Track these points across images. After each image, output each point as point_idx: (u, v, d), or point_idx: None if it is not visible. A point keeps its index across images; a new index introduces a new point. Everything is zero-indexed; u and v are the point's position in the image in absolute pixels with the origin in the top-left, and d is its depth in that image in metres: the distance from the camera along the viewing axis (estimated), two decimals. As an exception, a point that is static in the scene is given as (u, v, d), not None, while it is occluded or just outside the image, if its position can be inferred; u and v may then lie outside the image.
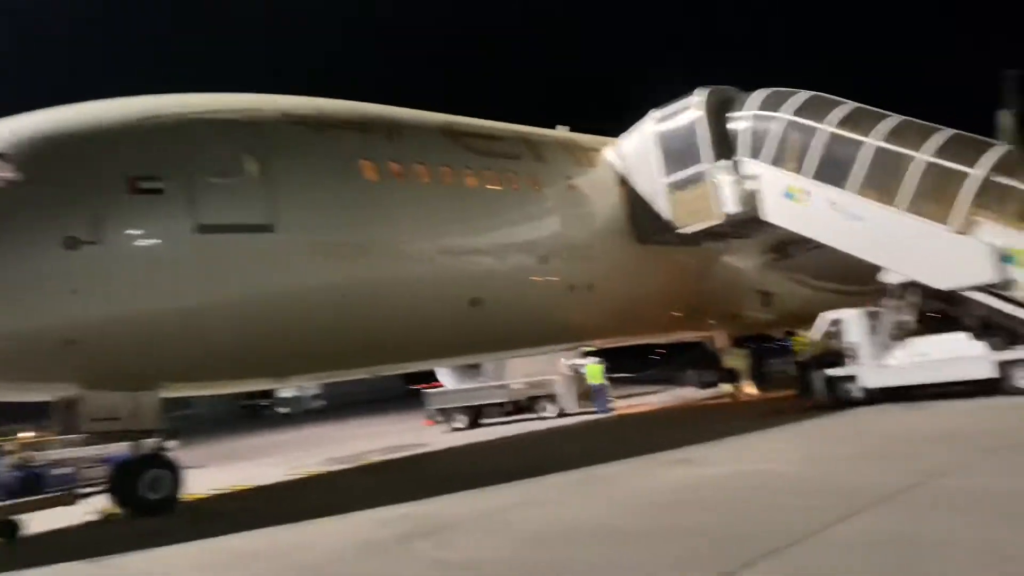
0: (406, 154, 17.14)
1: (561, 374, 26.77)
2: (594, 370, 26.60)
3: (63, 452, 21.93)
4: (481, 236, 18.11)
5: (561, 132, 22.65)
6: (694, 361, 32.13)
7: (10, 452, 23.59)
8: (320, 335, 15.61)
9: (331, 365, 17.43)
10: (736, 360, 26.07)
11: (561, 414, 26.45)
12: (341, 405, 65.33)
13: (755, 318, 26.38)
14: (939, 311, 19.66)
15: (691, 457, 12.97)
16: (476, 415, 27.42)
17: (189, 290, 13.87)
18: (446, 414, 27.76)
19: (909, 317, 18.54)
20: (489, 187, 18.41)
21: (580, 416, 26.05)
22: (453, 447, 21.65)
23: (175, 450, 28.85)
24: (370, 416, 42.99)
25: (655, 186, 21.00)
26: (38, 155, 13.14)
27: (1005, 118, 33.76)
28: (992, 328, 17.34)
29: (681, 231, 20.76)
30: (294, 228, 14.80)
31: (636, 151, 21.56)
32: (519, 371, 27.79)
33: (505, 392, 26.99)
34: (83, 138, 13.56)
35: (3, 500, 14.52)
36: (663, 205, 20.86)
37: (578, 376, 27.16)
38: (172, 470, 14.63)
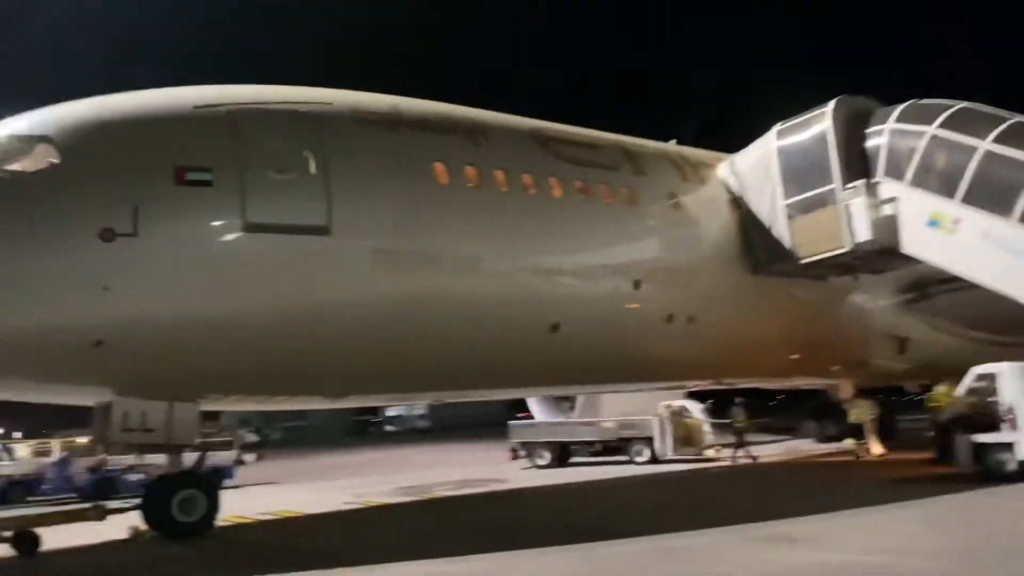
0: (487, 159, 15.47)
1: (658, 415, 24.24)
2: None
3: (141, 458, 21.32)
4: (565, 253, 16.17)
5: (669, 145, 20.46)
6: (815, 411, 28.75)
7: (84, 454, 23.47)
8: (377, 353, 14.08)
9: (391, 387, 15.87)
10: (861, 413, 22.74)
11: (654, 459, 23.91)
12: (446, 427, 64.82)
13: (886, 367, 23.06)
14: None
15: (797, 533, 10.45)
16: (562, 452, 25.23)
17: (231, 294, 12.62)
18: (529, 448, 25.72)
19: None
20: (578, 199, 16.46)
21: (678, 463, 23.45)
22: (525, 488, 19.61)
23: (253, 463, 29.27)
24: (469, 441, 41.66)
25: (774, 208, 18.44)
26: (83, 140, 12.27)
27: None
28: None
29: (802, 261, 18.08)
30: (352, 232, 13.33)
31: (753, 168, 19.09)
32: (615, 409, 25.54)
33: (594, 430, 24.71)
34: (131, 124, 12.61)
35: (78, 503, 13.63)
36: (782, 230, 18.26)
37: (677, 418, 24.55)
38: (208, 491, 13.40)
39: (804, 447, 27.45)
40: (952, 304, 21.08)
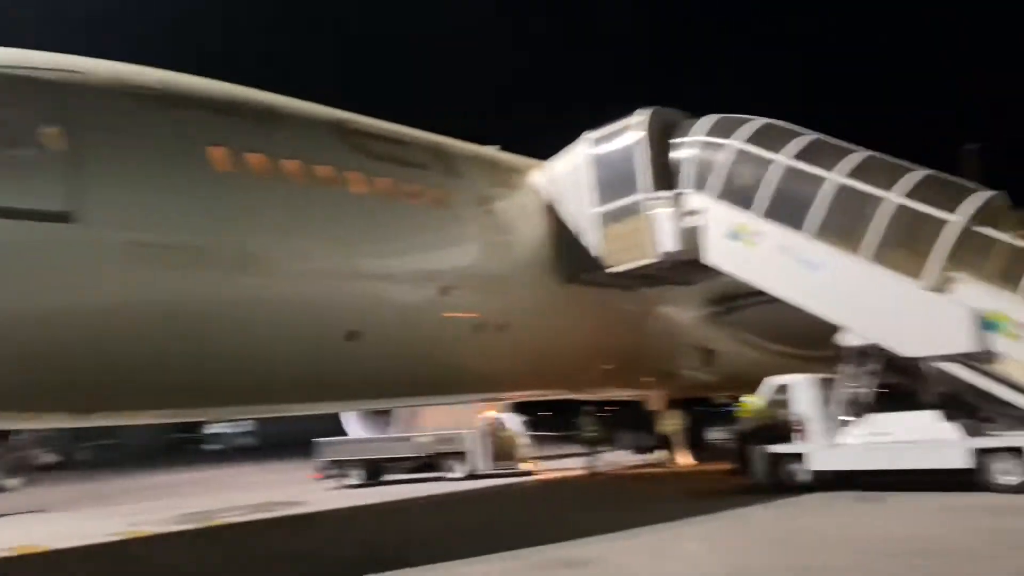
0: (278, 146, 13.95)
1: (473, 429, 23.41)
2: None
3: None
4: (363, 255, 14.87)
5: (485, 149, 19.71)
6: (629, 423, 28.99)
7: None
8: (130, 362, 12.17)
9: (152, 403, 13.87)
10: (670, 425, 23.01)
11: (471, 475, 23.05)
12: (274, 444, 61.21)
13: (694, 378, 23.43)
14: (893, 384, 16.95)
15: (582, 557, 9.74)
16: (375, 470, 23.84)
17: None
18: (341, 467, 24.12)
19: (868, 388, 15.73)
20: (382, 197, 15.27)
21: (493, 478, 22.70)
22: (325, 511, 18.10)
23: (18, 489, 25.75)
24: (297, 459, 39.10)
25: (586, 217, 18.08)
26: None
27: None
28: (959, 407, 14.62)
29: (612, 270, 17.81)
30: (100, 220, 11.42)
31: (567, 176, 18.67)
32: (435, 423, 24.50)
33: (408, 446, 23.52)
34: None
35: None
36: (593, 239, 17.93)
37: (495, 432, 23.83)
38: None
39: (618, 459, 27.54)
40: (755, 317, 21.65)
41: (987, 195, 14.24)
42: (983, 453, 13.14)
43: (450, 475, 23.17)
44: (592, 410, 23.67)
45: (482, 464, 23.20)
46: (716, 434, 26.63)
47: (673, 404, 25.06)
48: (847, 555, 9.03)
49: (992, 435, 13.53)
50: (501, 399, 23.19)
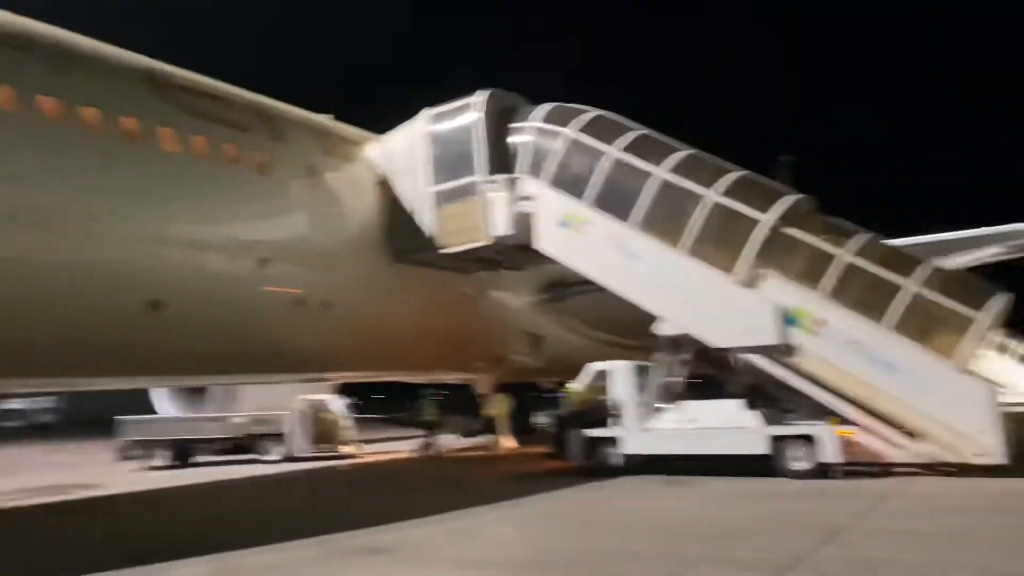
0: (73, 90, 12.53)
1: (294, 410, 22.44)
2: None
3: None
4: (169, 218, 13.70)
5: (318, 116, 18.78)
6: (458, 406, 28.92)
7: None
8: None
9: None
10: (496, 408, 23.09)
11: (289, 458, 22.09)
12: (81, 422, 56.23)
13: (523, 363, 23.65)
14: (704, 374, 17.81)
15: (393, 544, 9.37)
16: (183, 452, 22.31)
17: None
18: (145, 447, 22.39)
19: (680, 376, 16.38)
20: (195, 156, 14.11)
21: (311, 461, 21.86)
22: (116, 496, 16.69)
23: None
24: (100, 439, 35.94)
25: (420, 195, 17.66)
26: None
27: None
28: (762, 397, 15.53)
29: (445, 251, 17.50)
30: None
31: (403, 151, 18.15)
32: (255, 403, 23.27)
33: (220, 426, 22.19)
34: None
35: None
36: (427, 218, 17.53)
37: (317, 414, 22.97)
38: None
39: (448, 442, 27.42)
40: (582, 305, 22.16)
41: (795, 198, 15.13)
42: (779, 440, 13.98)
43: (266, 458, 22.11)
44: (431, 393, 23.33)
45: (301, 447, 22.29)
46: (542, 418, 27.09)
47: (500, 388, 25.21)
48: (650, 539, 9.21)
49: (788, 424, 14.41)
50: (325, 379, 22.41)
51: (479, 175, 16.98)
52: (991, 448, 12.48)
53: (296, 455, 22.12)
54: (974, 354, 13.37)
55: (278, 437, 22.32)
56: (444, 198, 17.41)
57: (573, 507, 12.24)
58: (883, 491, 11.78)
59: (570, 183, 16.56)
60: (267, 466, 21.36)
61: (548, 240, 16.71)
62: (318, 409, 23.04)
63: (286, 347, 16.72)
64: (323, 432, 22.96)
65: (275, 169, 15.65)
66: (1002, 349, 36.01)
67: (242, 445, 22.50)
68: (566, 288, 22.24)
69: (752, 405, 14.79)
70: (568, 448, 16.13)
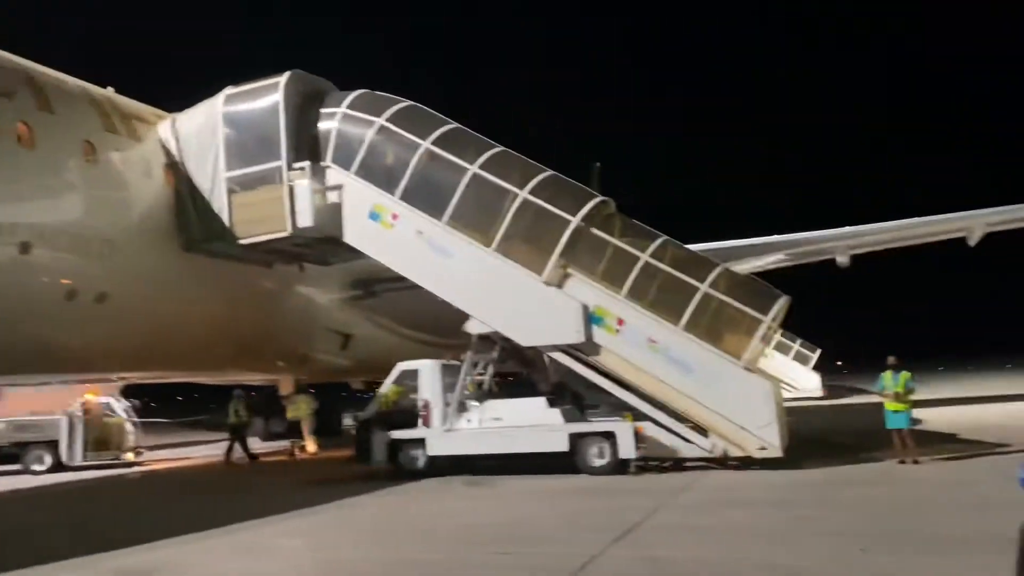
0: None
1: (66, 414, 20.16)
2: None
3: None
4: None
5: (99, 89, 16.86)
6: (261, 408, 27.31)
7: None
8: None
9: None
10: (299, 410, 21.94)
11: (60, 467, 19.81)
12: None
13: (330, 363, 22.68)
14: (514, 373, 17.83)
15: (165, 563, 8.37)
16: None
17: None
18: None
19: (489, 375, 16.24)
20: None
21: (88, 470, 19.73)
22: None
23: None
24: None
25: (215, 180, 16.30)
26: None
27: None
28: (569, 395, 15.71)
29: (242, 242, 16.27)
30: None
31: (197, 133, 16.69)
32: (26, 406, 20.71)
33: (-27, 434, 19.58)
34: None
35: None
36: (222, 206, 16.21)
37: (95, 418, 20.78)
38: None
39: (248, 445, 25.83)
40: (395, 302, 21.57)
41: (599, 199, 15.38)
42: (580, 437, 14.11)
43: (35, 468, 19.72)
44: (239, 394, 21.60)
45: (74, 455, 20.08)
46: (351, 420, 26.17)
47: (305, 389, 24.07)
48: (442, 546, 8.82)
49: (587, 421, 14.61)
50: (105, 380, 20.33)
51: (281, 161, 15.92)
52: (772, 442, 13.24)
53: (70, 464, 19.90)
54: (759, 353, 14.16)
55: (49, 444, 19.97)
56: (241, 184, 16.20)
57: (369, 515, 11.63)
58: (675, 486, 12.14)
59: (380, 174, 15.93)
60: (34, 477, 19.04)
61: (356, 233, 15.97)
62: (97, 413, 20.88)
63: (54, 344, 14.89)
64: (103, 438, 20.86)
65: (41, 144, 13.82)
66: (781, 348, 39.46)
67: (10, 454, 19.98)
68: (377, 284, 21.57)
69: (554, 403, 14.89)
70: (373, 451, 15.48)
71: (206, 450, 25.35)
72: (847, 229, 25.72)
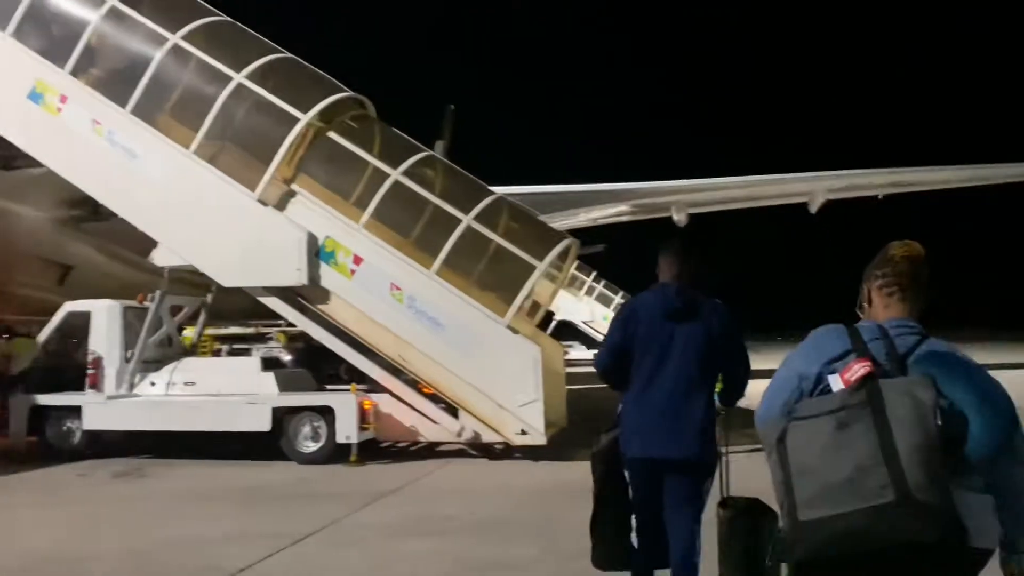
0: None
1: None
2: None
3: None
4: None
5: None
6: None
7: None
8: None
9: None
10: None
11: None
12: None
13: (44, 300, 17.87)
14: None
15: None
16: None
17: None
18: None
19: (200, 323, 12.32)
20: None
21: None
22: None
23: None
24: None
25: None
26: None
27: (438, 149, 31.40)
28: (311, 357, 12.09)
29: None
30: None
31: None
32: None
33: None
34: None
35: None
36: None
37: None
38: None
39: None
40: (130, 226, 17.06)
41: (345, 94, 11.52)
42: (289, 413, 10.44)
43: None
44: None
45: None
46: None
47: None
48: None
49: (295, 393, 10.93)
50: None
51: None
52: (535, 426, 10.03)
53: None
54: (529, 311, 10.93)
55: None
56: None
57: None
58: (384, 488, 8.69)
59: (47, 39, 11.48)
60: None
61: (7, 118, 11.48)
62: None
63: None
64: None
65: None
66: (581, 287, 36.45)
67: None
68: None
69: (271, 365, 11.17)
70: (9, 420, 11.21)
71: None
72: (685, 182, 23.10)
